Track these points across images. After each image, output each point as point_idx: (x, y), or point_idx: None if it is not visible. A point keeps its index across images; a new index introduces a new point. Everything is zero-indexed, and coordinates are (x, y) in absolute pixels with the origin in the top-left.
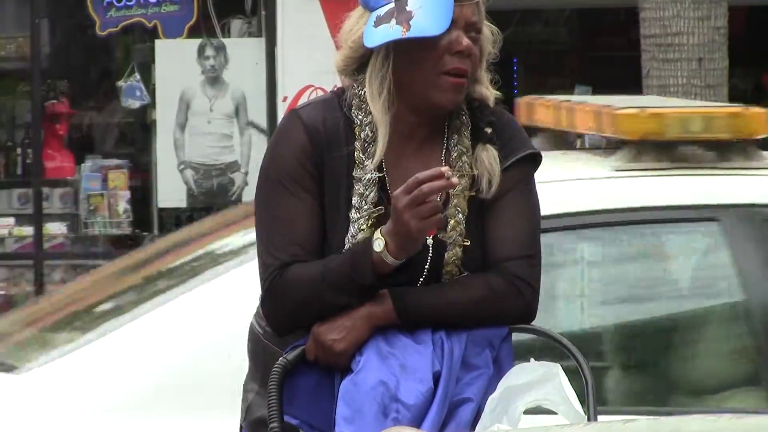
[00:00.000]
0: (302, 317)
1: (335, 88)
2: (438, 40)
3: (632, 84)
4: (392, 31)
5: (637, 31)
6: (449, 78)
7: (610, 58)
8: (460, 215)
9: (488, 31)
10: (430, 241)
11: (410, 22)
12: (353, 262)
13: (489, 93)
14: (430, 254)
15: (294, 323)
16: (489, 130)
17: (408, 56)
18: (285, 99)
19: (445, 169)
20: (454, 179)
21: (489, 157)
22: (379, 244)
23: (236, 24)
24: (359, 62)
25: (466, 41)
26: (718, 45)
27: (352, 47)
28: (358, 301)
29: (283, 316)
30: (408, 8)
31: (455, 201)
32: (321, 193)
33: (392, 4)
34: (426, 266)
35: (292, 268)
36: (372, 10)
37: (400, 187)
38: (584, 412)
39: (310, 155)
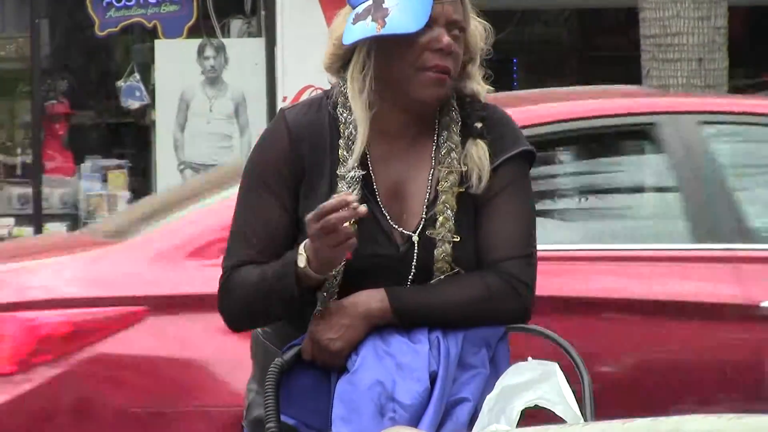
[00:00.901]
0: (248, 319)
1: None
2: (417, 37)
3: (632, 84)
4: (368, 28)
5: (637, 31)
6: (430, 73)
7: (610, 58)
8: (449, 212)
9: (480, 27)
10: (415, 238)
11: (386, 19)
12: (283, 273)
13: (481, 89)
14: (416, 251)
15: (242, 324)
16: (479, 125)
17: (388, 54)
18: (285, 99)
19: (352, 197)
20: (362, 208)
21: (478, 151)
22: (301, 260)
23: (236, 24)
24: (343, 60)
25: (446, 39)
26: (718, 45)
27: (335, 44)
28: (289, 310)
29: (232, 316)
30: (384, 5)
31: (444, 197)
32: (296, 196)
33: (370, 2)
34: (413, 263)
35: (240, 271)
36: (353, 6)
37: (320, 205)
38: (581, 411)
39: (289, 159)
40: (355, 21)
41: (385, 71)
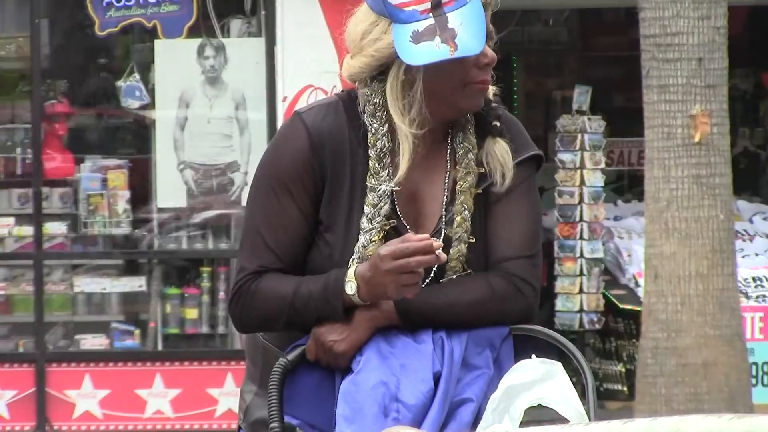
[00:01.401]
0: (265, 326)
1: (335, 90)
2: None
3: (632, 84)
4: (439, 51)
5: (637, 31)
6: (475, 86)
7: (610, 58)
8: (467, 212)
9: None
10: (439, 243)
11: (456, 41)
12: (325, 296)
13: (490, 89)
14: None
15: (256, 328)
16: (497, 123)
17: (437, 71)
18: (285, 99)
19: (438, 242)
20: (443, 255)
21: (501, 149)
22: (351, 287)
23: (236, 24)
24: (377, 71)
25: (491, 53)
26: (718, 45)
27: (375, 56)
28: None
29: (247, 321)
30: (450, 25)
31: (462, 198)
32: (316, 201)
33: (431, 20)
34: (433, 268)
35: (265, 279)
36: (403, 22)
37: (388, 245)
38: (585, 411)
39: (309, 163)
40: (418, 40)
41: (431, 86)
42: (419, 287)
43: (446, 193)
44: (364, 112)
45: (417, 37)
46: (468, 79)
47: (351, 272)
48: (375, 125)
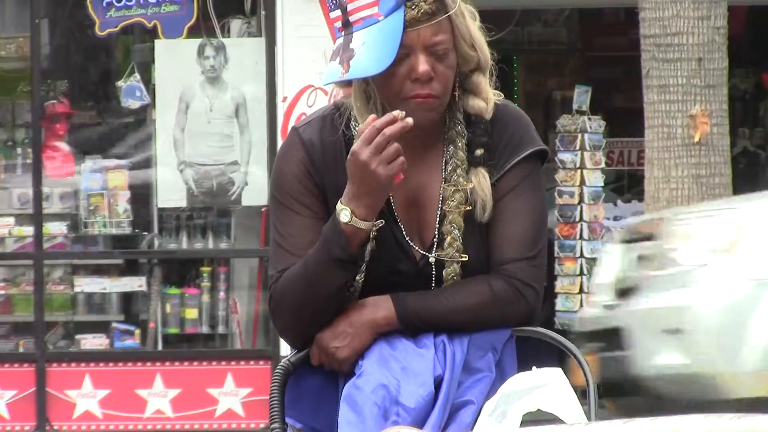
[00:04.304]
0: (303, 319)
1: (335, 90)
2: (396, 68)
3: (632, 84)
4: (334, 72)
5: (637, 31)
6: (411, 100)
7: (610, 58)
8: (456, 231)
9: (479, 36)
10: (432, 258)
11: (350, 62)
12: (327, 244)
13: (486, 105)
14: (434, 271)
15: (299, 329)
16: (480, 152)
17: (378, 84)
18: (285, 99)
19: (397, 112)
20: (409, 119)
21: (480, 182)
22: (345, 215)
23: (236, 24)
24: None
25: (423, 67)
26: (718, 45)
27: None
28: (344, 282)
29: (287, 324)
30: (351, 46)
31: (450, 217)
32: (324, 207)
33: (342, 39)
34: (432, 283)
35: (284, 274)
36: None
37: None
38: (585, 414)
39: (310, 173)
40: (331, 59)
41: (382, 99)
42: (404, 163)
43: (440, 205)
44: (350, 118)
45: (332, 56)
46: (403, 94)
47: (339, 204)
48: (357, 130)
